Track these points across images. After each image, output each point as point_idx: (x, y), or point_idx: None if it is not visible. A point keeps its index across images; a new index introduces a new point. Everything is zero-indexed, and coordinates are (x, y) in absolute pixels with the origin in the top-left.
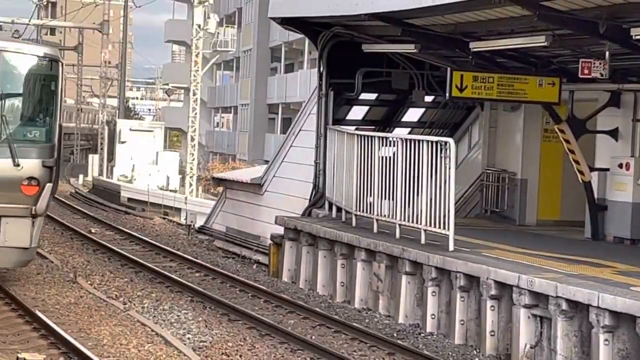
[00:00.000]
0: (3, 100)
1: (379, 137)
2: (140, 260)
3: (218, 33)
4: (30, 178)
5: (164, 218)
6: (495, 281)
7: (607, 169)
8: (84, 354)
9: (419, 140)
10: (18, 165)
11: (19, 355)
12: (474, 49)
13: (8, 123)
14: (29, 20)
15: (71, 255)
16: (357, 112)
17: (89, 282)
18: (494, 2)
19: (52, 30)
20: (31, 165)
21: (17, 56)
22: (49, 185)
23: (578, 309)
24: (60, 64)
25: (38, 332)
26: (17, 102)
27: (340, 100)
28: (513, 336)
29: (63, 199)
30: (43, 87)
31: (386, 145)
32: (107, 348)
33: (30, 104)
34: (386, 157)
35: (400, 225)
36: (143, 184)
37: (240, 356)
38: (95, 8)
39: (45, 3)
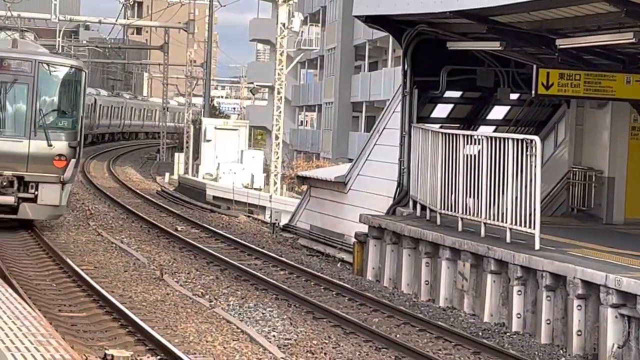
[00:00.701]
0: (40, 98)
1: (463, 135)
2: (226, 258)
3: (302, 32)
4: (60, 155)
5: (248, 216)
6: (582, 280)
7: None
8: (171, 351)
9: (504, 138)
10: (51, 145)
11: (107, 352)
12: (561, 46)
13: (44, 115)
14: (116, 20)
15: (157, 252)
16: (442, 110)
17: (175, 280)
18: None
19: (139, 30)
20: (60, 145)
21: (51, 66)
22: (73, 160)
23: None
24: (83, 72)
25: (125, 329)
26: (51, 100)
27: (425, 98)
28: (600, 336)
29: (149, 197)
30: (70, 89)
31: (471, 143)
32: (193, 345)
33: (60, 101)
34: (471, 155)
35: (485, 223)
36: (228, 182)
37: (325, 354)
38: (180, 7)
39: (131, 3)
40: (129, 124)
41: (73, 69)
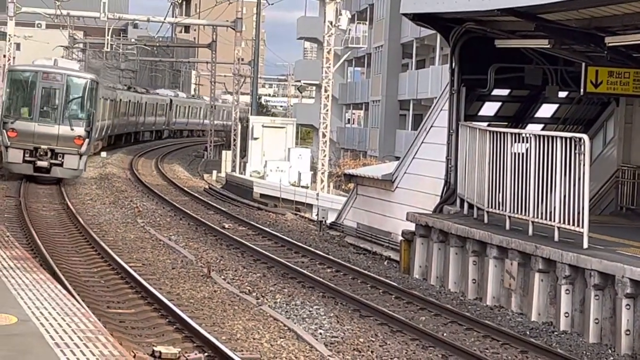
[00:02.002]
0: (67, 99)
1: (511, 133)
2: (273, 256)
3: (349, 30)
4: (79, 136)
5: (295, 214)
6: (631, 279)
7: None
8: (218, 348)
9: (552, 137)
10: (72, 129)
11: (155, 348)
12: (610, 44)
13: (70, 110)
14: (164, 18)
15: (205, 250)
16: (490, 108)
17: (223, 277)
18: None
19: (187, 28)
20: (79, 130)
21: (75, 78)
22: (87, 140)
23: None
24: (97, 83)
25: (173, 326)
26: (74, 100)
27: (472, 96)
28: None
29: (197, 195)
30: (87, 93)
31: (519, 142)
32: (241, 342)
33: (80, 102)
34: (519, 154)
35: (533, 222)
36: (275, 180)
37: (372, 352)
38: (228, 5)
39: (180, 1)
40: (199, 122)
41: (90, 80)
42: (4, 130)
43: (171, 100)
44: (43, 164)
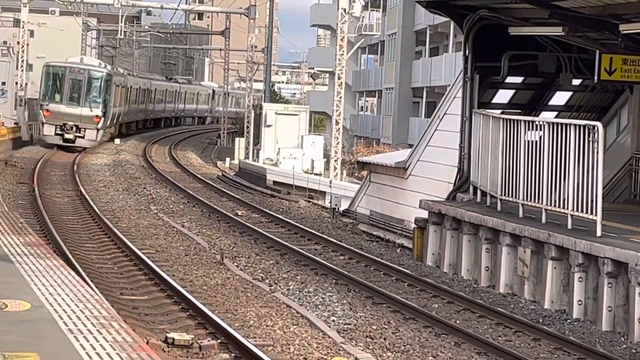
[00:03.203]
0: (89, 87)
1: (525, 120)
2: (286, 243)
3: (363, 17)
4: (96, 115)
5: (308, 201)
6: None
7: None
8: (231, 335)
9: (566, 124)
10: (92, 110)
11: (168, 335)
12: (624, 31)
13: (90, 96)
14: (178, 5)
15: (218, 237)
16: (503, 96)
17: (236, 264)
18: None
19: (200, 15)
20: (96, 111)
21: (95, 72)
22: (103, 119)
23: None
24: (112, 75)
25: (186, 313)
26: (94, 88)
27: (486, 83)
28: None
29: (210, 182)
30: (104, 84)
31: (532, 129)
32: (254, 329)
33: (98, 91)
34: (532, 141)
35: (546, 210)
36: (288, 167)
37: (385, 339)
38: None
39: None
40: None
41: (106, 74)
42: (41, 111)
43: (213, 91)
44: (69, 136)
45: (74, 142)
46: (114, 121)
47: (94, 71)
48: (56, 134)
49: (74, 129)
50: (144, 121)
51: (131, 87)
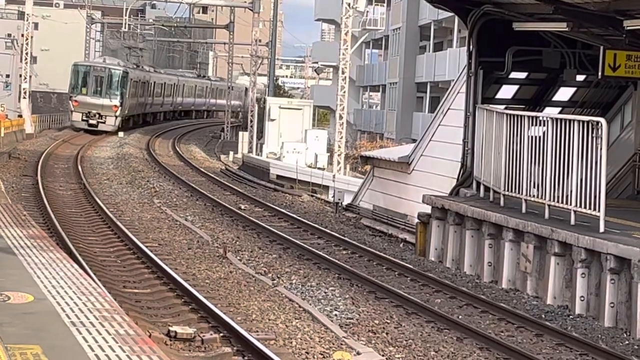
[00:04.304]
0: (109, 82)
1: (528, 116)
2: (289, 237)
3: (367, 11)
4: (115, 105)
5: (312, 195)
6: None
7: None
8: (233, 328)
9: (569, 120)
10: (111, 100)
11: (170, 328)
12: (628, 27)
13: (110, 88)
14: None
15: (221, 231)
16: (507, 91)
17: (239, 258)
18: None
19: (204, 9)
20: (115, 101)
21: (114, 70)
22: (120, 108)
23: None
24: (129, 71)
25: (188, 306)
26: (113, 82)
27: (490, 79)
28: None
29: (213, 176)
30: (121, 79)
31: (536, 125)
32: (256, 323)
33: (117, 84)
34: (536, 137)
35: (549, 205)
36: (292, 161)
37: (387, 334)
38: None
39: None
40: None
41: (123, 71)
42: (70, 101)
43: (245, 88)
44: (93, 122)
45: (96, 126)
46: (133, 110)
47: (113, 69)
48: (82, 120)
49: (97, 116)
50: (172, 112)
51: (154, 82)
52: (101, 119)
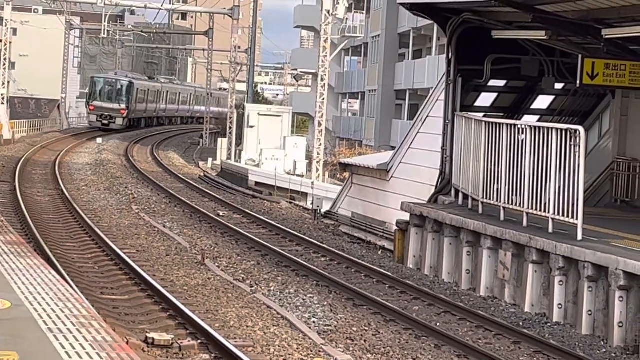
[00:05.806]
0: (119, 91)
1: (507, 124)
2: (267, 244)
3: (347, 19)
4: (122, 108)
5: (290, 202)
6: (625, 272)
7: None
8: (211, 335)
9: (548, 128)
10: (120, 105)
11: (148, 335)
12: (606, 36)
13: (118, 96)
14: (161, 5)
15: (199, 237)
16: (486, 99)
17: (217, 265)
18: None
19: (184, 15)
20: (123, 104)
21: (122, 81)
22: (126, 111)
23: None
24: (134, 82)
25: (166, 313)
26: (123, 91)
27: (469, 86)
28: None
29: (192, 182)
30: (128, 88)
31: (514, 133)
32: (234, 330)
33: (125, 92)
34: (514, 145)
35: (527, 213)
36: (270, 168)
37: (365, 341)
38: None
39: None
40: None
41: (129, 82)
42: (87, 106)
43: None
44: (105, 122)
45: (108, 125)
46: (140, 113)
47: (122, 81)
48: (97, 120)
49: (108, 117)
50: (174, 117)
51: (158, 90)
52: (112, 119)
